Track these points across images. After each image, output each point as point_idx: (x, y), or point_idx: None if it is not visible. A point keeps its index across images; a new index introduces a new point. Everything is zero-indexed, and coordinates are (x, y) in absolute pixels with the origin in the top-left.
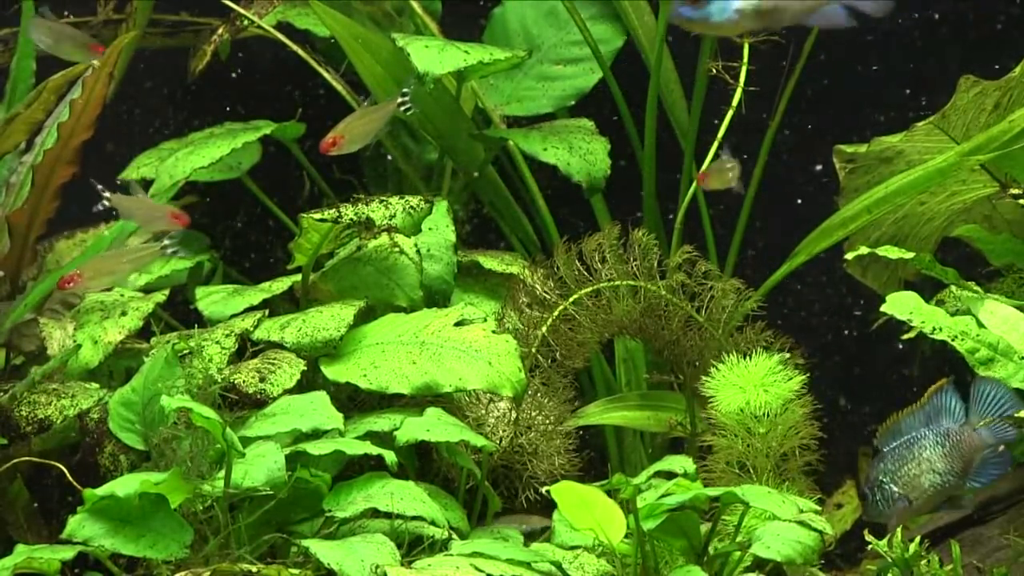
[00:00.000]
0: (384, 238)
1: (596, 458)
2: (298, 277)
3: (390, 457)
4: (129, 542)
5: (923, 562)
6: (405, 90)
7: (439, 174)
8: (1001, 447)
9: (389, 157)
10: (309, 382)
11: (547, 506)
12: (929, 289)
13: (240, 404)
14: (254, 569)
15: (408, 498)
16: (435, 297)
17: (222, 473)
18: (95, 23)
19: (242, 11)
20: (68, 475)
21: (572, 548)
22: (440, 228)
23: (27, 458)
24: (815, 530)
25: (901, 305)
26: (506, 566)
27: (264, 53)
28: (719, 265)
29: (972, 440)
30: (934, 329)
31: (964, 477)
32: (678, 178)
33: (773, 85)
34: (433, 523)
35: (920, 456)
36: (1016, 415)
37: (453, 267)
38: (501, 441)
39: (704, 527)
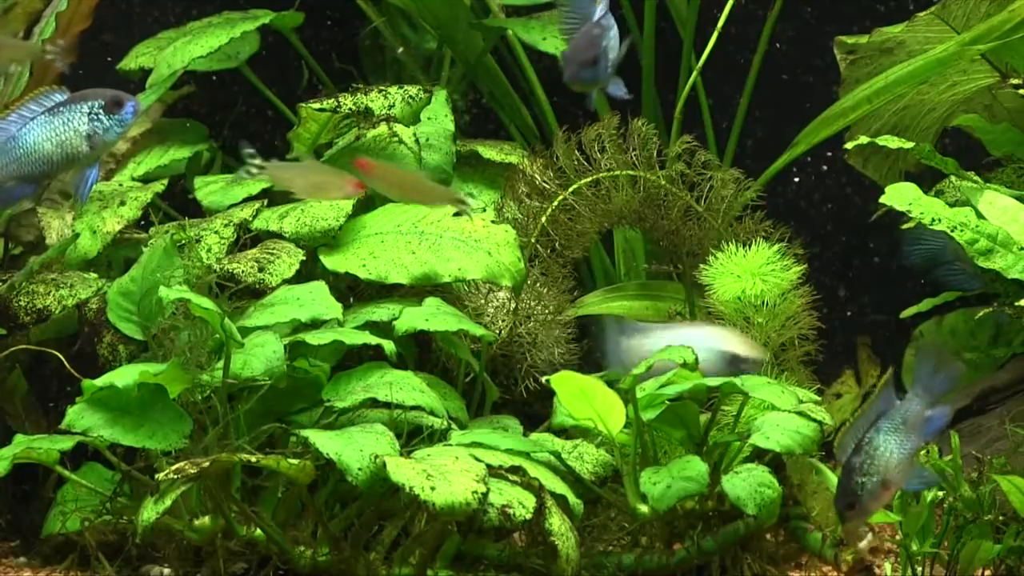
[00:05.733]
0: (383, 128)
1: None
2: None
3: (389, 347)
4: (128, 432)
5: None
6: None
7: (438, 64)
8: (939, 402)
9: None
10: (308, 272)
11: (546, 396)
12: (929, 181)
13: (239, 294)
14: (253, 459)
15: (407, 388)
16: None
17: (221, 363)
18: None
19: None
20: (67, 365)
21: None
22: (439, 118)
23: (25, 345)
24: (814, 420)
25: (900, 196)
26: (505, 456)
27: None
28: (718, 155)
29: (916, 407)
30: (933, 220)
31: (922, 436)
32: (677, 68)
33: None
34: (432, 413)
35: (885, 446)
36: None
37: (452, 157)
38: (500, 331)
39: (703, 417)
